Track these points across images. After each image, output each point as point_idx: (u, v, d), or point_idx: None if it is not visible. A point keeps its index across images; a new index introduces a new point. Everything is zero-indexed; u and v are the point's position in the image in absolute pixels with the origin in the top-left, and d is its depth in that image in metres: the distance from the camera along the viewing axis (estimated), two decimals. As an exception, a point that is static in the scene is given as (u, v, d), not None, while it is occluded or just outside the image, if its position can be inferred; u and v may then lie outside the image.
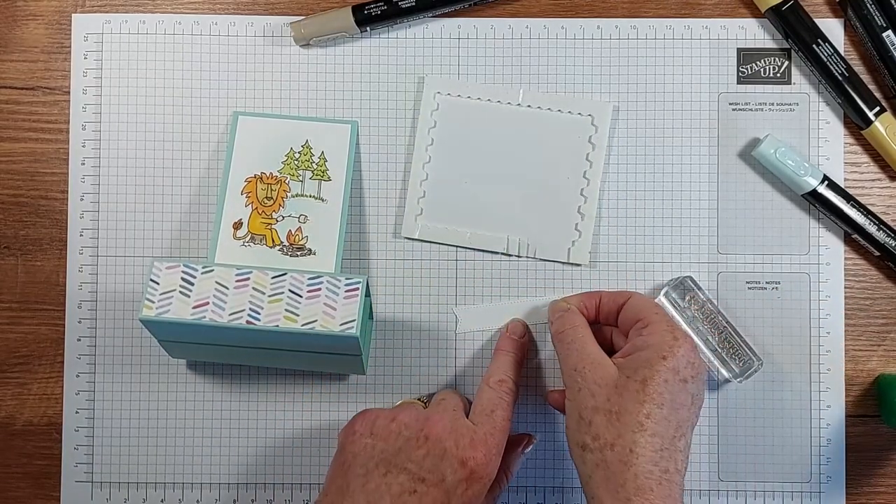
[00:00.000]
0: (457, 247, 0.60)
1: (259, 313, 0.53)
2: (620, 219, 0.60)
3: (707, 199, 0.60)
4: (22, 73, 0.61)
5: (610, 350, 0.54)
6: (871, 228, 0.59)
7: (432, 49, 0.61)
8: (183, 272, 0.53)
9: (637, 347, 0.52)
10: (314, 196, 0.59)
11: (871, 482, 0.60)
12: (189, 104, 0.61)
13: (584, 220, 0.60)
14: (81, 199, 0.61)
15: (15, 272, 0.61)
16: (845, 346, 0.60)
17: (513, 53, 0.61)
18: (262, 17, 0.61)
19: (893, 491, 0.60)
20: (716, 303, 0.59)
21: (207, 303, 0.53)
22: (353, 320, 0.52)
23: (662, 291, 0.59)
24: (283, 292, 0.53)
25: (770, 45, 0.61)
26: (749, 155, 0.60)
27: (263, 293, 0.53)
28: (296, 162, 0.59)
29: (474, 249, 0.60)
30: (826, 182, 0.59)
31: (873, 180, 0.61)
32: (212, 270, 0.54)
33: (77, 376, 0.60)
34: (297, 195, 0.59)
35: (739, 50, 0.61)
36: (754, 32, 0.61)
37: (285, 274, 0.54)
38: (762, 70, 0.61)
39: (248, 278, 0.53)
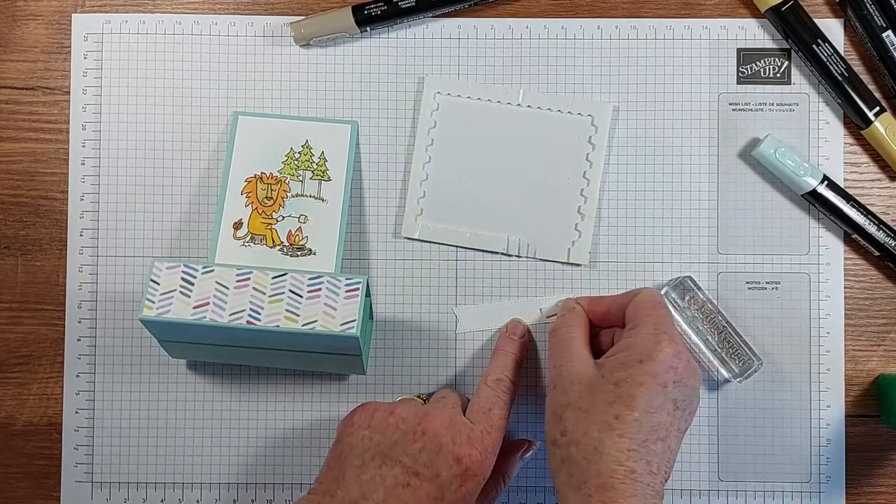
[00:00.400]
0: (457, 247, 0.60)
1: (259, 313, 0.53)
2: (620, 219, 0.60)
3: (707, 199, 0.60)
4: (22, 73, 0.61)
5: None
6: (871, 228, 0.59)
7: (432, 49, 0.61)
8: (183, 272, 0.53)
9: (619, 349, 0.52)
10: (314, 196, 0.59)
11: (871, 482, 0.60)
12: (189, 104, 0.61)
13: (584, 221, 0.60)
14: (81, 199, 0.61)
15: (15, 272, 0.61)
16: (845, 346, 0.60)
17: (513, 53, 0.61)
18: (262, 17, 0.61)
19: (893, 491, 0.60)
20: (716, 303, 0.60)
21: (208, 303, 0.53)
22: (354, 320, 0.52)
23: (662, 291, 0.59)
24: (283, 292, 0.53)
25: (770, 45, 0.61)
26: (749, 155, 0.60)
27: (264, 293, 0.53)
28: (296, 162, 0.59)
29: (474, 249, 0.60)
30: (826, 182, 0.59)
31: (873, 180, 0.61)
32: (212, 270, 0.54)
33: (77, 376, 0.60)
34: (297, 195, 0.59)
35: (739, 50, 0.61)
36: (754, 32, 0.61)
37: (286, 274, 0.54)
38: (762, 70, 0.61)
39: (248, 278, 0.53)
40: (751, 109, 0.61)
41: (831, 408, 0.60)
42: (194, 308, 0.53)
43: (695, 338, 0.59)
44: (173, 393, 0.60)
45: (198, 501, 0.60)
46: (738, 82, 0.61)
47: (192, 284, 0.53)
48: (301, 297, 0.53)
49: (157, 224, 0.61)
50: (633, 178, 0.60)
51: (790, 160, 0.58)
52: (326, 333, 0.52)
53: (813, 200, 0.59)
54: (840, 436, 0.60)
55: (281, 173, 0.59)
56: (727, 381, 0.59)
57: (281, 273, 0.54)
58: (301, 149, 0.59)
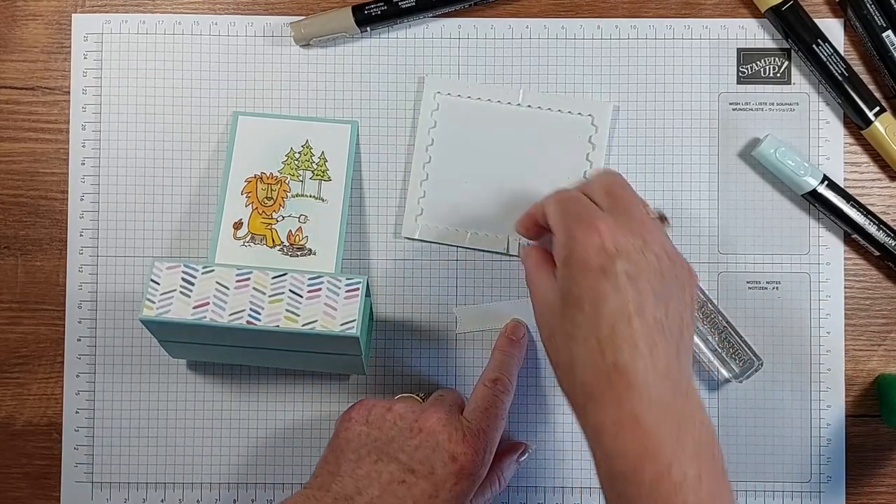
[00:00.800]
0: (457, 247, 0.60)
1: (259, 313, 0.53)
2: (620, 219, 0.60)
3: (707, 199, 0.60)
4: (22, 73, 0.61)
5: None
6: (871, 228, 0.59)
7: (432, 49, 0.61)
8: (183, 272, 0.53)
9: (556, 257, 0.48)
10: (314, 196, 0.59)
11: (871, 482, 0.60)
12: (189, 104, 0.61)
13: (585, 220, 0.60)
14: (81, 199, 0.61)
15: (15, 272, 0.61)
16: (845, 345, 0.60)
17: (513, 53, 0.61)
18: (262, 17, 0.61)
19: (893, 491, 0.60)
20: (716, 303, 0.60)
21: (208, 303, 0.53)
22: (354, 320, 0.52)
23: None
24: (283, 292, 0.53)
25: (770, 45, 0.61)
26: (749, 155, 0.60)
27: (264, 293, 0.53)
28: (296, 162, 0.59)
29: (474, 249, 0.60)
30: (826, 182, 0.59)
31: (873, 180, 0.61)
32: (212, 270, 0.54)
33: (77, 376, 0.60)
34: (297, 195, 0.59)
35: (739, 50, 0.61)
36: (754, 32, 0.61)
37: (286, 274, 0.54)
38: (762, 70, 0.61)
39: (248, 278, 0.53)
40: (751, 109, 0.61)
41: (831, 408, 0.60)
42: (194, 308, 0.53)
43: (695, 338, 0.59)
44: (173, 393, 0.60)
45: (198, 501, 0.60)
46: (739, 82, 0.61)
47: (193, 284, 0.53)
48: (301, 297, 0.53)
49: (157, 224, 0.61)
50: (633, 178, 0.60)
51: (790, 160, 0.58)
52: (326, 333, 0.52)
53: (813, 200, 0.59)
54: (840, 436, 0.60)
55: (281, 173, 0.59)
56: (727, 381, 0.59)
57: (281, 273, 0.54)
58: (301, 149, 0.59)
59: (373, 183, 0.61)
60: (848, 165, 0.61)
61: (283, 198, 0.59)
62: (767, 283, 0.60)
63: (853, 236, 0.59)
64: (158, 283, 0.53)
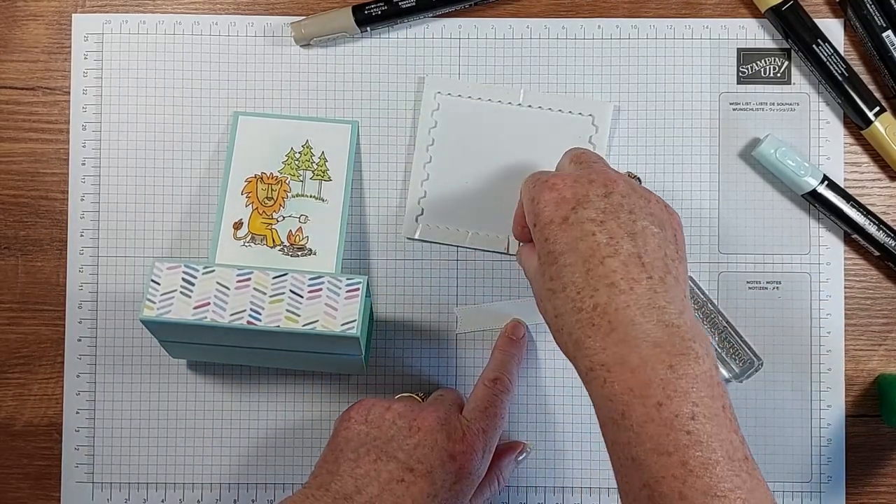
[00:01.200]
0: (457, 247, 0.60)
1: (260, 314, 0.53)
2: (621, 219, 0.60)
3: (707, 199, 0.60)
4: (22, 73, 0.61)
5: None
6: (871, 228, 0.59)
7: (432, 49, 0.61)
8: (184, 273, 0.53)
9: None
10: (314, 196, 0.59)
11: (871, 482, 0.60)
12: (189, 104, 0.61)
13: (585, 220, 0.60)
14: (82, 200, 0.60)
15: (15, 272, 0.61)
16: (845, 345, 0.60)
17: (513, 53, 0.61)
18: (262, 17, 0.61)
19: (894, 491, 0.60)
20: (716, 303, 0.60)
21: (208, 303, 0.53)
22: (354, 320, 0.52)
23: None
24: (284, 293, 0.53)
25: (770, 45, 0.61)
26: (749, 155, 0.60)
27: (264, 293, 0.53)
28: (296, 162, 0.59)
29: (475, 249, 0.60)
30: (826, 182, 0.59)
31: (873, 180, 0.61)
32: (213, 271, 0.54)
33: (77, 377, 0.60)
34: (297, 195, 0.59)
35: (740, 50, 0.61)
36: (754, 32, 0.61)
37: (286, 274, 0.54)
38: (762, 70, 0.61)
39: (248, 279, 0.53)
40: (751, 109, 0.61)
41: (832, 408, 0.60)
42: (195, 308, 0.53)
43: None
44: (173, 393, 0.60)
45: (198, 502, 0.60)
46: (739, 82, 0.61)
47: (193, 285, 0.53)
48: (302, 297, 0.53)
49: (157, 224, 0.61)
50: (633, 178, 0.61)
51: (790, 160, 0.58)
52: (327, 333, 0.52)
53: (813, 200, 0.59)
54: (840, 436, 0.60)
55: (281, 173, 0.59)
56: (727, 381, 0.60)
57: (281, 273, 0.54)
58: (301, 149, 0.59)
59: (373, 183, 0.61)
60: (848, 165, 0.61)
61: (283, 198, 0.59)
62: (768, 283, 0.60)
63: (853, 236, 0.60)
64: (159, 284, 0.53)
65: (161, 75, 0.61)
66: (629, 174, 0.51)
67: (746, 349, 0.59)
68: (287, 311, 0.53)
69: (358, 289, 0.53)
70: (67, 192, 0.61)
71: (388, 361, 0.60)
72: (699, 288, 0.59)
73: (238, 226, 0.58)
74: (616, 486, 0.43)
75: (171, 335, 0.55)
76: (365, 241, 0.61)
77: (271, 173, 0.59)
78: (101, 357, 0.60)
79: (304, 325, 0.52)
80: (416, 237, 0.60)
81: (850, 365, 0.60)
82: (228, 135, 0.60)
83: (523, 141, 0.60)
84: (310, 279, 0.54)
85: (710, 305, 0.59)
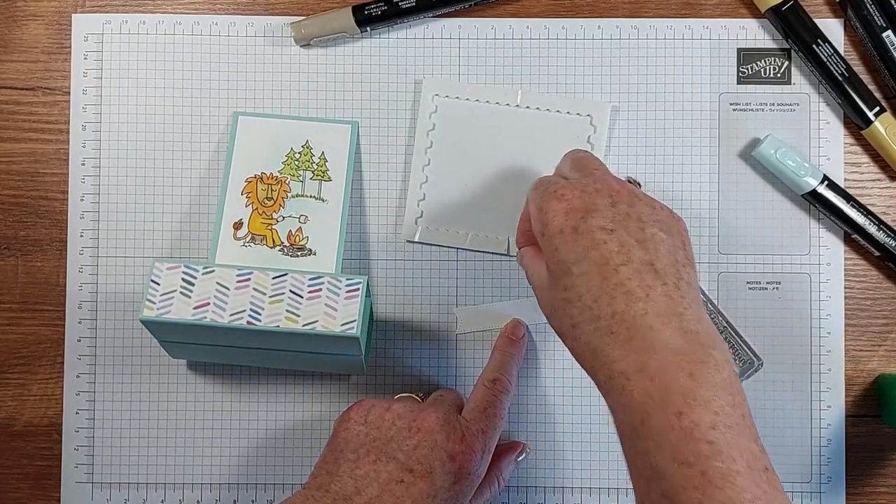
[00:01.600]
0: (457, 248, 0.60)
1: (260, 314, 0.53)
2: (621, 219, 0.60)
3: (707, 199, 0.60)
4: (22, 73, 0.61)
5: None
6: (871, 228, 0.59)
7: (432, 50, 0.61)
8: (184, 273, 0.53)
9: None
10: (314, 196, 0.59)
11: (871, 482, 0.60)
12: (189, 104, 0.61)
13: (585, 221, 0.60)
14: (81, 200, 0.61)
15: (15, 273, 0.61)
16: (845, 346, 0.60)
17: (513, 54, 0.61)
18: (262, 17, 0.61)
19: (893, 491, 0.60)
20: (716, 303, 0.60)
21: (208, 303, 0.53)
22: (354, 320, 0.52)
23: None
24: (283, 293, 0.53)
25: (770, 45, 0.61)
26: (749, 155, 0.60)
27: (264, 294, 0.53)
28: (296, 162, 0.59)
29: (475, 251, 0.60)
30: (826, 182, 0.59)
31: (873, 180, 0.61)
32: (213, 271, 0.54)
33: (77, 377, 0.60)
34: (297, 195, 0.59)
35: (740, 50, 0.61)
36: (754, 32, 0.61)
37: (286, 274, 0.54)
38: (762, 70, 0.61)
39: (248, 279, 0.53)
40: (751, 109, 0.61)
41: (832, 408, 0.60)
42: (195, 308, 0.53)
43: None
44: (173, 393, 0.60)
45: (198, 502, 0.60)
46: (739, 82, 0.61)
47: (193, 285, 0.53)
48: (301, 297, 0.53)
49: (157, 224, 0.61)
50: (633, 179, 0.61)
51: (790, 160, 0.58)
52: (327, 334, 0.52)
53: (813, 200, 0.59)
54: (840, 436, 0.60)
55: (281, 173, 0.59)
56: (727, 381, 0.59)
57: (281, 273, 0.54)
58: (301, 149, 0.59)
59: (373, 183, 0.61)
60: (848, 165, 0.61)
61: (283, 198, 0.59)
62: (768, 283, 0.60)
63: (853, 236, 0.60)
64: (159, 284, 0.53)
65: (161, 75, 0.61)
66: (629, 179, 0.51)
67: (746, 349, 0.59)
68: (287, 311, 0.53)
69: (358, 289, 0.53)
70: (67, 192, 0.61)
71: (388, 362, 0.60)
72: (699, 288, 0.59)
73: (238, 226, 0.58)
74: (617, 487, 0.43)
75: (171, 335, 0.55)
76: (365, 242, 0.61)
77: (271, 173, 0.59)
78: (100, 357, 0.60)
79: (303, 326, 0.52)
80: (416, 240, 0.60)
81: (850, 365, 0.60)
82: (228, 135, 0.60)
83: (521, 142, 0.60)
84: (310, 279, 0.54)
85: (710, 305, 0.59)
